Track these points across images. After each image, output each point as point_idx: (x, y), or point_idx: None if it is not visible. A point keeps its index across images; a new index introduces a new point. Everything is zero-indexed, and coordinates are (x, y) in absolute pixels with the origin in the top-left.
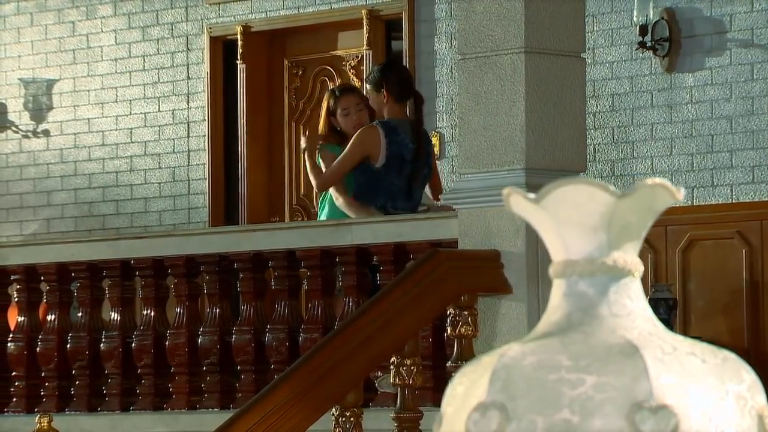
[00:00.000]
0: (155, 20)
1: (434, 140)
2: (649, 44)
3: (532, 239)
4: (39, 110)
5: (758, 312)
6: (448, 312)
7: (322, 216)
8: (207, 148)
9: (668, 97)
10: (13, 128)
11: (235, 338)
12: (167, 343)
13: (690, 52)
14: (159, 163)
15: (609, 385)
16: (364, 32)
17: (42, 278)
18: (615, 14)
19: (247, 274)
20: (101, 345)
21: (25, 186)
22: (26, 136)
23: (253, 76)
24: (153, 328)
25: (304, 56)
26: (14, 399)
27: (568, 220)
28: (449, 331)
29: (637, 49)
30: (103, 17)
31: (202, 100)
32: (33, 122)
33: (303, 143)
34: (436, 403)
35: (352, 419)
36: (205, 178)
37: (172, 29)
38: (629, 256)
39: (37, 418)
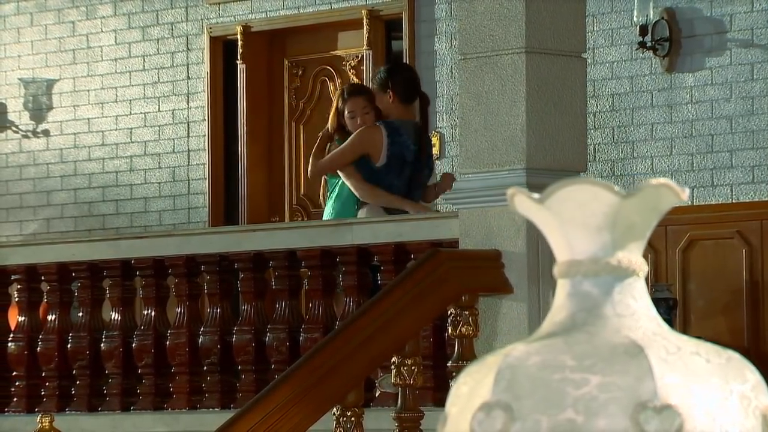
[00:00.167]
0: (155, 20)
1: (434, 140)
2: (649, 44)
3: (532, 239)
4: (39, 110)
5: (758, 312)
6: (448, 312)
7: (327, 213)
8: (207, 148)
9: (668, 97)
10: (13, 128)
11: (236, 338)
12: (168, 342)
13: (690, 52)
14: (159, 163)
15: (613, 384)
16: (364, 32)
17: (42, 278)
18: (615, 14)
19: (248, 274)
20: (102, 345)
21: (25, 186)
22: (26, 136)
23: (253, 76)
24: (153, 328)
25: (304, 56)
26: (15, 399)
27: (573, 220)
28: (450, 330)
29: (637, 49)
30: (103, 17)
31: (202, 100)
32: (33, 122)
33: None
34: (437, 403)
35: (353, 419)
36: (205, 178)
37: (172, 29)
38: (633, 256)
39: (38, 417)
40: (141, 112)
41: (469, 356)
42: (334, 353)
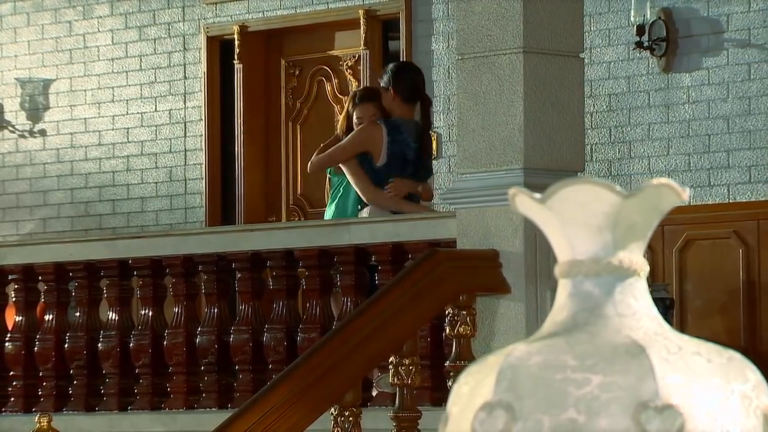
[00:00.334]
0: (152, 20)
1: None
2: (646, 44)
3: (530, 239)
4: (35, 110)
5: (755, 312)
6: (446, 312)
7: (330, 212)
8: (204, 148)
9: (665, 97)
10: (10, 128)
11: (233, 338)
12: (165, 342)
13: (687, 52)
14: (156, 163)
15: (615, 384)
16: (361, 32)
17: (39, 278)
18: (612, 14)
19: (245, 274)
20: (99, 345)
21: (22, 186)
22: (23, 136)
23: (250, 75)
24: (151, 328)
25: (301, 56)
26: (12, 399)
27: (574, 220)
28: (447, 330)
29: (634, 49)
30: (100, 17)
31: (198, 100)
32: (29, 122)
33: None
34: (435, 402)
35: (351, 419)
36: (202, 178)
37: (168, 29)
38: (635, 256)
39: (36, 417)
40: (138, 112)
41: (466, 356)
42: (332, 353)
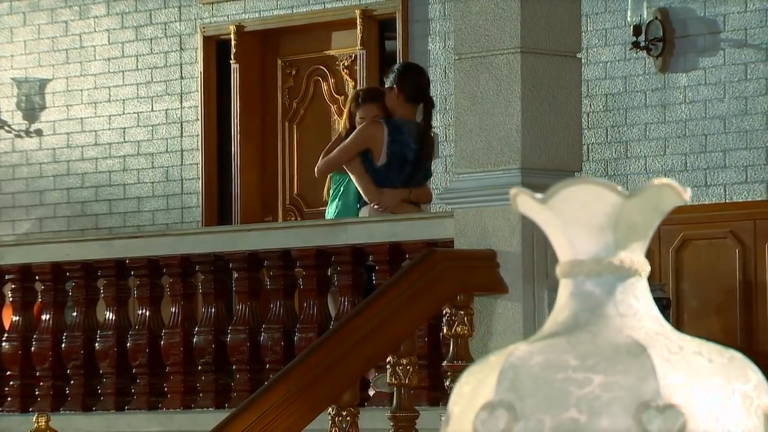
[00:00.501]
0: (148, 20)
1: None
2: (642, 44)
3: (527, 239)
4: (32, 110)
5: (751, 312)
6: (443, 311)
7: (331, 211)
8: (200, 148)
9: (662, 96)
10: (6, 128)
11: (230, 338)
12: (162, 342)
13: (683, 52)
14: (152, 163)
15: (616, 384)
16: (358, 32)
17: (37, 278)
18: (609, 14)
19: (242, 274)
20: (96, 344)
21: (18, 185)
22: (19, 136)
23: (247, 75)
24: (148, 328)
25: (298, 56)
26: (9, 398)
27: (575, 220)
28: (445, 330)
29: (630, 49)
30: (96, 17)
31: (195, 100)
32: (26, 122)
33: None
34: (432, 402)
35: (348, 419)
36: (198, 178)
37: (165, 29)
38: (636, 256)
39: (34, 417)
40: (134, 112)
41: (464, 356)
42: (329, 353)
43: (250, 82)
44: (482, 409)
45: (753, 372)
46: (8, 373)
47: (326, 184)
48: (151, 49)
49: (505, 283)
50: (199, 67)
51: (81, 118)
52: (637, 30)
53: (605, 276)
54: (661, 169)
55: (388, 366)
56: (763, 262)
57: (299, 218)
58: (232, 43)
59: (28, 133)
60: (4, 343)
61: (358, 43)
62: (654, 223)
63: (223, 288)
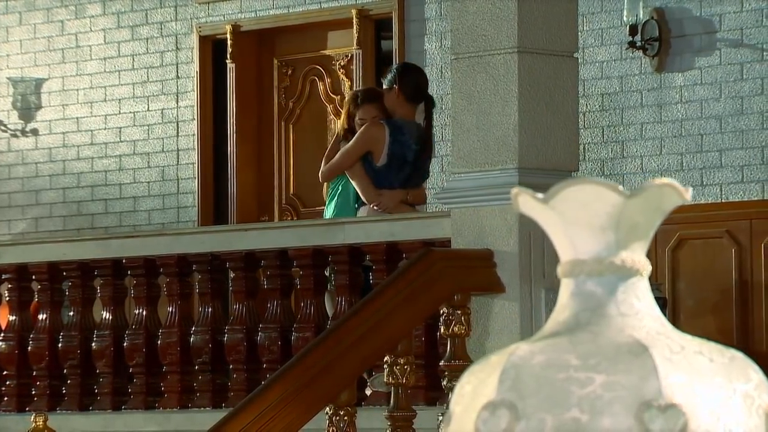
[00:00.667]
0: (144, 19)
1: None
2: (638, 44)
3: (524, 239)
4: (27, 109)
5: (747, 311)
6: (441, 311)
7: (330, 211)
8: (196, 148)
9: (658, 96)
10: (2, 127)
11: (227, 337)
12: (159, 342)
13: (680, 51)
14: (148, 163)
15: (618, 384)
16: (354, 32)
17: (33, 277)
18: (605, 14)
19: (239, 274)
20: (93, 344)
21: (14, 185)
22: (15, 135)
23: (243, 75)
24: (145, 327)
25: (294, 56)
26: (5, 398)
27: (577, 219)
28: (442, 330)
29: (626, 49)
30: (92, 16)
31: (191, 100)
32: (21, 121)
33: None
34: (429, 402)
35: (345, 418)
36: (194, 178)
37: (161, 28)
38: (637, 256)
39: (32, 417)
40: (130, 112)
41: (461, 355)
42: (326, 353)
43: (246, 81)
44: (484, 409)
45: (754, 371)
46: (5, 372)
47: (324, 186)
48: (147, 49)
49: (502, 283)
50: (195, 66)
51: (77, 118)
52: (633, 30)
53: (606, 276)
54: (657, 169)
55: (385, 365)
56: (759, 262)
57: (295, 218)
58: (228, 42)
59: (23, 132)
60: (0, 343)
61: (354, 42)
62: (655, 222)
63: (220, 288)
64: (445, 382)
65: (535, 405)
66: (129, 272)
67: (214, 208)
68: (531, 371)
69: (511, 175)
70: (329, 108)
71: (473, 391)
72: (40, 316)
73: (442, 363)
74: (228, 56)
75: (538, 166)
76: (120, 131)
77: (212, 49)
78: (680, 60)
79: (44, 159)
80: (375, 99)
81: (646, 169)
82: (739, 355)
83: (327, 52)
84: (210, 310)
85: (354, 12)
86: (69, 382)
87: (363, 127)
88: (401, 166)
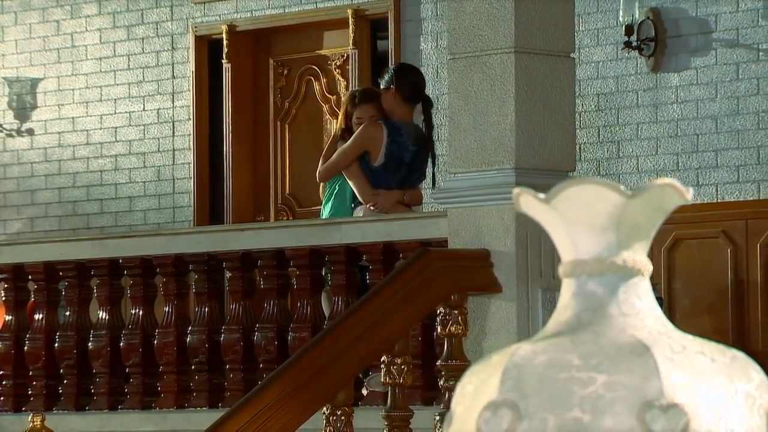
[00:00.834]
0: (140, 19)
1: None
2: (634, 44)
3: (521, 238)
4: (23, 109)
5: (743, 311)
6: (437, 311)
7: (326, 211)
8: (192, 147)
9: (654, 96)
10: None
11: (224, 337)
12: (155, 342)
13: (675, 51)
14: (144, 162)
15: (620, 384)
16: (350, 32)
17: (30, 277)
18: (601, 14)
19: (236, 274)
20: (89, 344)
21: (9, 185)
22: (10, 135)
23: (239, 75)
24: (141, 327)
25: (290, 56)
26: (1, 398)
27: (578, 219)
28: (439, 330)
29: (622, 49)
30: (88, 16)
31: (187, 99)
32: (17, 121)
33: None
34: (426, 401)
35: (343, 418)
36: (190, 177)
37: (157, 28)
38: (638, 256)
39: (30, 416)
40: (126, 111)
41: (458, 355)
42: (323, 353)
43: (241, 81)
44: (486, 409)
45: (755, 371)
46: (1, 372)
47: (321, 186)
48: (142, 49)
49: (498, 283)
50: (191, 66)
51: (72, 118)
52: (629, 30)
53: (608, 276)
54: (653, 169)
55: (382, 365)
56: (754, 262)
57: (291, 218)
58: (224, 42)
59: (19, 132)
60: None
61: (350, 42)
62: (656, 222)
63: (217, 287)
64: (442, 382)
65: (537, 405)
66: (125, 272)
67: (210, 208)
68: (533, 371)
69: (508, 175)
70: (325, 108)
71: (475, 390)
72: (37, 316)
73: (439, 363)
74: (224, 56)
75: (535, 166)
76: (116, 131)
77: (208, 49)
78: (676, 60)
79: (40, 159)
80: (373, 99)
81: (642, 169)
82: (740, 355)
83: (323, 52)
84: (207, 310)
85: (350, 12)
86: (65, 381)
87: (361, 127)
88: (398, 167)
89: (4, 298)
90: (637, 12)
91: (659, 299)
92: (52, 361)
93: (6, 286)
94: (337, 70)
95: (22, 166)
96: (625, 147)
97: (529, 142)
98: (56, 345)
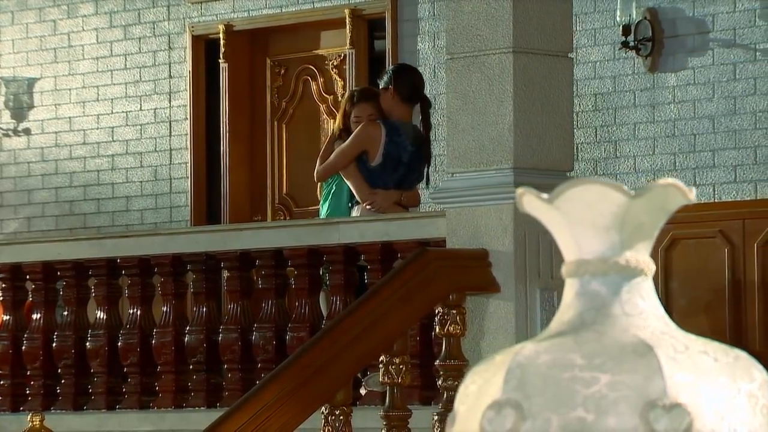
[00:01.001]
0: (137, 19)
1: None
2: (631, 44)
3: (519, 238)
4: (20, 109)
5: (740, 311)
6: (436, 311)
7: (324, 210)
8: (189, 147)
9: (651, 96)
10: None
11: (222, 337)
12: (153, 341)
13: (673, 51)
14: (141, 162)
15: (623, 383)
16: (347, 31)
17: (27, 277)
18: (598, 14)
19: (234, 273)
20: (87, 344)
21: (6, 185)
22: (7, 135)
23: (236, 75)
24: (139, 327)
25: (287, 55)
26: None
27: (581, 219)
28: (437, 329)
29: (620, 49)
30: (85, 16)
31: (184, 99)
32: (14, 121)
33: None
34: (424, 401)
35: (341, 418)
36: (187, 177)
37: (153, 28)
38: (641, 256)
39: (29, 416)
40: (123, 111)
41: (456, 355)
42: (322, 352)
43: (238, 81)
44: (489, 408)
45: (758, 371)
46: None
47: (318, 186)
48: (139, 48)
49: (497, 283)
50: (188, 66)
51: (69, 117)
52: (626, 30)
53: (611, 275)
54: (650, 169)
55: (380, 365)
56: (752, 262)
57: (288, 217)
58: (221, 42)
59: (16, 132)
60: None
61: (347, 42)
62: (659, 222)
63: (215, 287)
64: (440, 382)
65: (540, 404)
66: (123, 272)
67: (207, 208)
68: (536, 371)
69: (506, 175)
70: (322, 108)
71: (478, 390)
72: (35, 316)
73: (437, 362)
74: (221, 56)
75: (533, 165)
76: (112, 131)
77: (205, 48)
78: (673, 60)
79: (36, 158)
80: (371, 98)
81: (639, 169)
82: (743, 355)
83: (320, 51)
84: (205, 309)
85: (347, 12)
86: (63, 381)
87: (359, 126)
88: (396, 167)
89: (1, 298)
90: (634, 12)
91: None
92: (49, 360)
93: (4, 285)
94: (334, 69)
95: (19, 165)
96: (622, 147)
97: (527, 142)
98: (54, 345)
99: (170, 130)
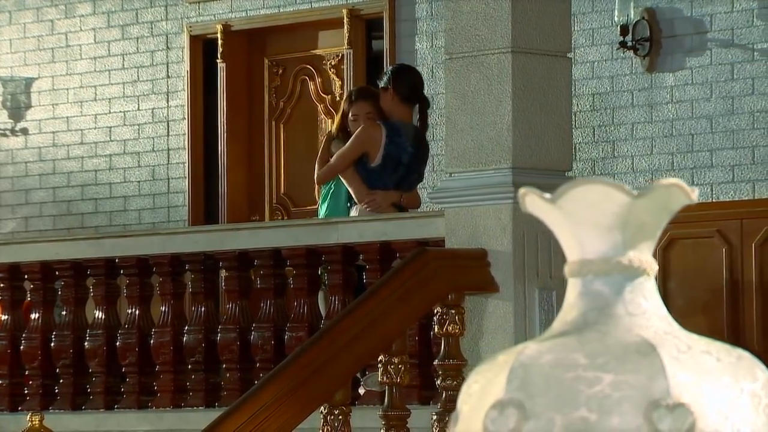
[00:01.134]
0: (135, 19)
1: None
2: (629, 44)
3: (518, 238)
4: (17, 108)
5: (738, 311)
6: (435, 310)
7: (323, 210)
8: (187, 147)
9: (649, 96)
10: None
11: (220, 336)
12: (152, 341)
13: (670, 51)
14: (138, 162)
15: (626, 383)
16: (345, 31)
17: (26, 277)
18: (596, 14)
19: (232, 273)
20: (85, 343)
21: (3, 184)
22: (4, 135)
23: (233, 74)
24: (137, 327)
25: (285, 55)
26: None
27: (584, 219)
28: (436, 329)
29: (617, 49)
30: (82, 15)
31: (181, 99)
32: (11, 120)
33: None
34: (423, 401)
35: (340, 417)
36: (185, 177)
37: (151, 28)
38: (644, 256)
39: (28, 416)
40: (120, 111)
41: (455, 355)
42: (321, 352)
43: (236, 81)
44: (492, 408)
45: (761, 371)
46: None
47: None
48: (137, 48)
49: (496, 282)
50: (186, 66)
51: (67, 117)
52: (624, 30)
53: (614, 275)
54: (648, 169)
55: (379, 365)
56: (749, 262)
57: (286, 217)
58: (219, 42)
59: (13, 131)
60: None
61: (345, 42)
62: (662, 222)
63: (213, 287)
64: (439, 382)
65: (543, 404)
66: (122, 272)
67: (205, 208)
68: (539, 370)
69: (505, 175)
70: (320, 107)
71: (481, 390)
72: (33, 316)
73: (436, 362)
74: (218, 56)
75: (531, 165)
76: (110, 130)
77: (203, 48)
78: (671, 60)
79: (34, 158)
80: (368, 96)
81: (637, 169)
82: (746, 355)
83: (318, 51)
84: (203, 309)
85: (345, 12)
86: (61, 381)
87: (360, 128)
88: (395, 168)
89: (0, 298)
90: (632, 12)
91: None
92: (48, 360)
93: (2, 285)
94: (332, 69)
95: (17, 165)
96: (620, 147)
97: (526, 142)
98: (52, 344)
99: (168, 129)
